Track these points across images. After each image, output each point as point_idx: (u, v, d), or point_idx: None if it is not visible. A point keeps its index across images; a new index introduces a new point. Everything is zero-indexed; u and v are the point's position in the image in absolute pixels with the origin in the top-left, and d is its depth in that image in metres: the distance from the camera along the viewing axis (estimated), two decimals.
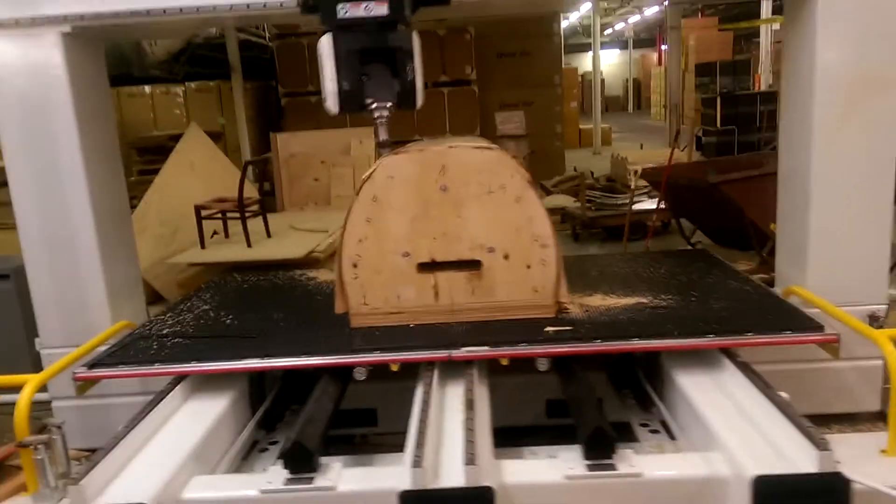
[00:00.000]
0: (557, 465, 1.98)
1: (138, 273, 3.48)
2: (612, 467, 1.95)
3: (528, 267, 2.72)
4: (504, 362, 2.51)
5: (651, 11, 27.50)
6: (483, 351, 2.50)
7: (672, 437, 2.46)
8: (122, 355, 2.64)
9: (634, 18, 26.99)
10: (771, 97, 10.24)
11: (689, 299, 2.87)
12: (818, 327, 2.47)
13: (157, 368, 2.55)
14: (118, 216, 3.28)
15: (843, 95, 2.91)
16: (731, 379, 2.37)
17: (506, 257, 2.72)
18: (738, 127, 10.14)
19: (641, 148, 10.23)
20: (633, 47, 30.96)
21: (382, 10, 2.66)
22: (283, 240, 5.80)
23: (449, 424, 2.17)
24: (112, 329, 2.94)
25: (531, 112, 10.54)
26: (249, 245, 5.43)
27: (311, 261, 5.36)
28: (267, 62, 11.03)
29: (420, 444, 1.98)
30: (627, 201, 6.80)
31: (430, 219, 2.70)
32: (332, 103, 2.76)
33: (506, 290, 2.75)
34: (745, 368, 2.35)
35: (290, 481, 1.99)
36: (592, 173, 8.95)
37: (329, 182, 7.59)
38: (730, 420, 2.14)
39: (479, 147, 2.70)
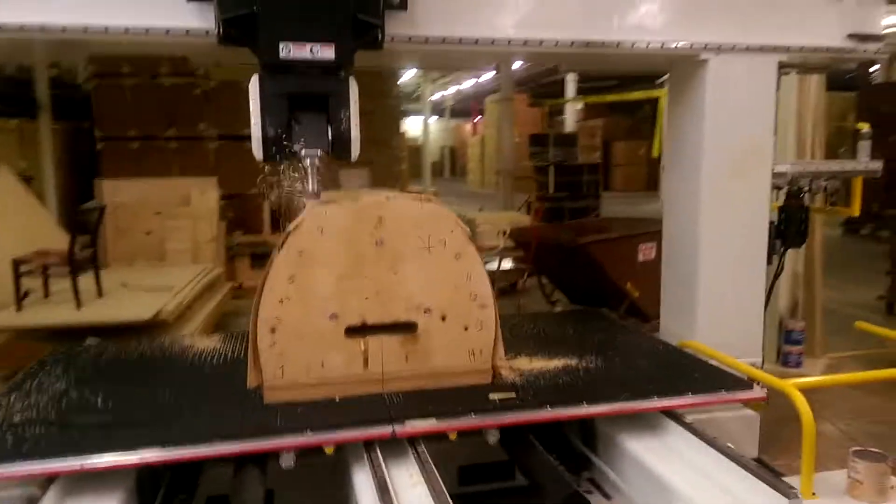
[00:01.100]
0: None
1: None
2: None
3: (466, 329, 2.53)
4: (452, 436, 2.27)
5: (468, 84, 29.23)
6: (430, 424, 2.24)
7: (607, 496, 2.39)
8: None
9: (453, 89, 28.37)
10: (595, 168, 11.14)
11: (613, 360, 2.83)
12: (748, 386, 2.52)
13: (23, 467, 1.97)
14: None
15: (728, 165, 3.17)
16: (680, 438, 2.33)
17: (443, 318, 2.50)
18: (570, 193, 10.82)
19: (480, 210, 10.47)
20: (450, 116, 32.44)
21: (329, 53, 2.42)
22: (119, 300, 5.09)
23: None
24: None
25: (371, 172, 10.46)
26: (79, 306, 4.67)
27: (157, 324, 4.75)
28: (79, 102, 9.95)
29: None
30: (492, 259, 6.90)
31: (362, 276, 2.43)
32: (255, 148, 2.47)
33: (442, 355, 2.52)
34: (691, 428, 2.33)
35: None
36: None
37: (163, 235, 6.87)
38: (689, 477, 2.08)
39: (419, 199, 2.49)
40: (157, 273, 6.05)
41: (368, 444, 2.22)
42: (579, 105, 21.65)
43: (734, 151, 3.15)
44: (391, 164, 11.40)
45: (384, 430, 2.21)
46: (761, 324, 3.31)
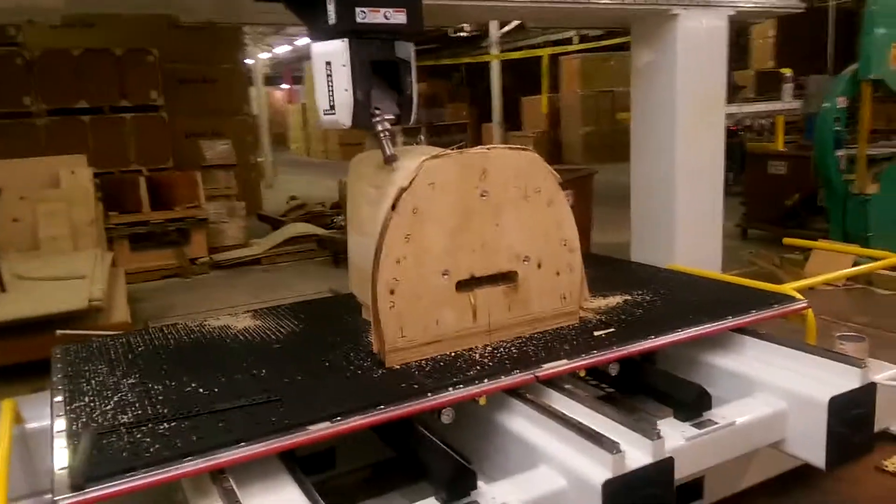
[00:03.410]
0: None
1: None
2: None
3: (558, 273, 2.62)
4: (582, 374, 2.38)
5: (283, 50, 28.07)
6: (563, 365, 2.33)
7: None
8: (108, 462, 1.77)
9: (265, 55, 27.10)
10: (463, 127, 11.38)
11: (658, 292, 3.07)
12: (792, 299, 2.89)
13: (185, 465, 1.76)
14: None
15: (695, 108, 3.59)
16: (757, 347, 2.63)
17: (538, 265, 2.57)
18: None
19: None
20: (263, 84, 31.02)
21: (401, 18, 2.35)
22: (31, 292, 4.48)
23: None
24: None
25: None
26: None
27: (81, 314, 4.25)
28: None
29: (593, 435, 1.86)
30: None
31: (469, 230, 2.42)
32: (344, 116, 2.35)
33: (538, 301, 2.60)
34: (768, 336, 2.66)
35: None
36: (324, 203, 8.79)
37: (35, 222, 6.03)
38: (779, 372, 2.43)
39: (515, 148, 2.51)
40: (46, 263, 5.34)
41: (509, 392, 2.26)
42: None
43: (699, 94, 3.57)
44: (243, 133, 10.81)
45: (527, 376, 2.26)
46: (720, 243, 3.80)
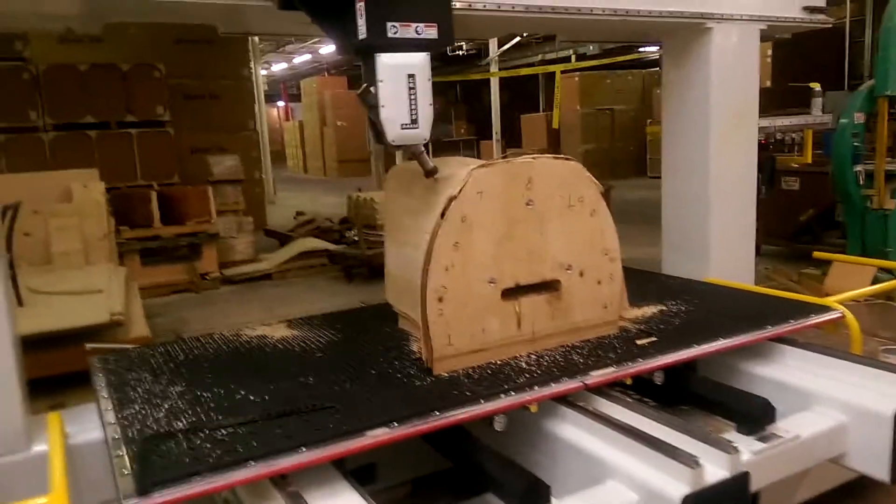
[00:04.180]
0: None
1: None
2: None
3: (599, 283, 2.63)
4: (628, 381, 2.38)
5: (278, 68, 28.24)
6: (610, 373, 2.33)
7: None
8: (172, 467, 1.75)
9: (262, 73, 27.22)
10: (471, 144, 11.35)
11: (692, 303, 3.08)
12: (826, 309, 2.90)
13: (248, 469, 1.75)
14: None
15: (729, 120, 3.62)
16: (797, 356, 2.64)
17: (581, 274, 2.59)
18: None
19: (360, 191, 10.30)
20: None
21: (433, 33, 2.35)
22: (50, 306, 4.46)
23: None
24: None
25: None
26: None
27: (112, 324, 4.24)
28: None
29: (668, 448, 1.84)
30: None
31: (515, 238, 2.43)
32: (426, 130, 2.34)
33: (580, 310, 2.60)
34: (808, 346, 2.66)
35: None
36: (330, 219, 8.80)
37: (47, 236, 6.00)
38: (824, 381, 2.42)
39: (559, 158, 2.53)
40: (61, 278, 5.31)
41: (559, 400, 2.25)
42: None
43: (732, 108, 3.60)
44: (249, 149, 10.83)
45: (576, 383, 2.26)
46: (753, 257, 3.82)
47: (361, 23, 2.27)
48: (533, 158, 2.47)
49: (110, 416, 2.11)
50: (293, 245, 7.66)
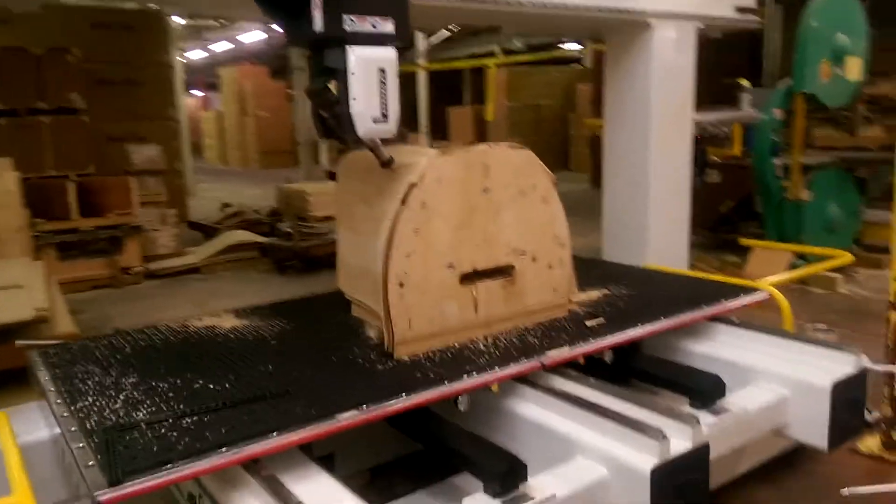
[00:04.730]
0: None
1: None
2: None
3: (550, 267, 2.72)
4: (581, 361, 2.48)
5: (195, 55, 27.31)
6: (565, 353, 2.42)
7: None
8: (141, 457, 1.71)
9: (179, 61, 26.24)
10: None
11: (633, 287, 3.21)
12: (754, 290, 3.10)
13: (221, 455, 1.73)
14: None
15: (668, 114, 3.80)
16: (734, 334, 2.83)
17: (533, 259, 2.66)
18: None
19: (289, 182, 10.11)
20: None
21: (388, 27, 2.33)
22: None
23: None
24: None
25: None
26: None
27: (37, 321, 4.04)
28: None
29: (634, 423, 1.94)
30: (331, 230, 6.91)
31: (472, 225, 2.48)
32: (394, 124, 2.32)
33: (533, 294, 2.68)
34: (744, 324, 2.84)
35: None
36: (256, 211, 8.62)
37: None
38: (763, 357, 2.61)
39: (513, 146, 2.59)
40: None
41: (520, 380, 2.33)
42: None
43: (671, 102, 3.79)
44: (169, 138, 10.45)
45: (534, 363, 2.33)
46: (687, 245, 4.03)
47: (318, 14, 2.20)
48: (489, 146, 2.52)
49: (62, 409, 2.03)
50: (221, 238, 7.47)
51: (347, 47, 2.23)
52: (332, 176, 11.25)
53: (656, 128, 3.71)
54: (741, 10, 3.96)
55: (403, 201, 2.32)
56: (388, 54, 2.29)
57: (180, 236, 7.83)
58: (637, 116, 3.79)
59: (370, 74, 2.25)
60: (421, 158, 2.40)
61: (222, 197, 12.14)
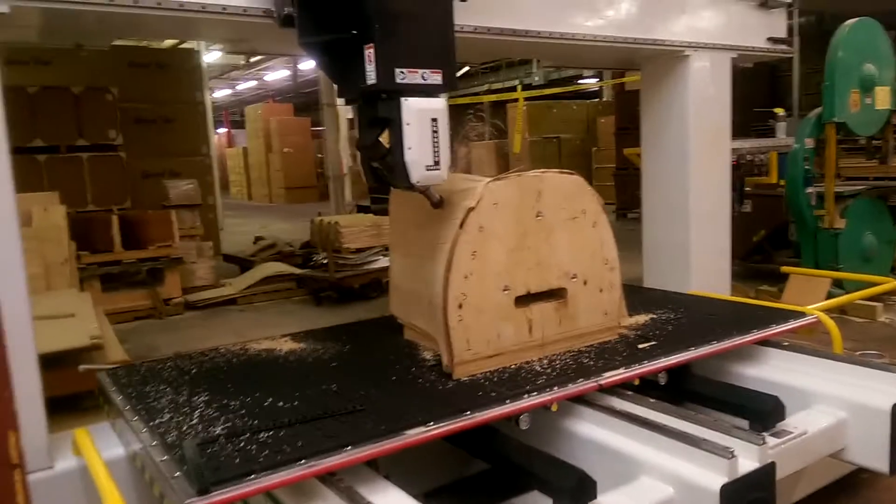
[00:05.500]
0: None
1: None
2: None
3: (601, 291, 2.78)
4: (636, 382, 2.52)
5: (221, 94, 27.97)
6: (621, 374, 2.47)
7: None
8: (225, 468, 1.78)
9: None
10: None
11: (680, 311, 3.25)
12: (803, 315, 3.12)
13: (300, 468, 1.80)
14: None
15: (706, 142, 3.87)
16: (786, 358, 2.83)
17: (584, 283, 2.73)
18: None
19: (320, 215, 10.28)
20: None
21: (437, 79, 2.43)
22: None
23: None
24: None
25: None
26: None
27: (91, 348, 4.15)
28: None
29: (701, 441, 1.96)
30: (364, 261, 7.02)
31: (526, 248, 2.56)
32: (445, 170, 2.40)
33: (584, 317, 2.74)
34: (796, 347, 2.87)
35: None
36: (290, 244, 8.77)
37: None
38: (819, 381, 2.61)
39: (564, 172, 2.68)
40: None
41: (575, 400, 2.37)
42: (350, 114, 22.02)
43: (708, 129, 3.86)
44: (203, 174, 10.69)
45: (592, 383, 2.38)
46: (729, 271, 4.06)
47: (371, 68, 2.31)
48: (542, 172, 2.61)
49: (141, 426, 2.11)
50: (258, 269, 7.60)
51: (402, 99, 2.32)
52: (360, 209, 11.44)
53: (695, 155, 3.77)
54: (773, 40, 4.06)
55: (462, 225, 2.40)
56: (438, 104, 2.38)
57: (217, 268, 7.98)
58: (675, 144, 3.85)
59: (423, 124, 2.34)
60: (476, 184, 2.49)
61: (251, 231, 12.36)
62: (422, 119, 2.35)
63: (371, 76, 2.32)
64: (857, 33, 5.18)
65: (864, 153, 6.24)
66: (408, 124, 2.33)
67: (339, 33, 2.34)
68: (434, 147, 2.37)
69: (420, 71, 2.36)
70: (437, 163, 2.38)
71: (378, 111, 2.39)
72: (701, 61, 3.68)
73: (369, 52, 2.30)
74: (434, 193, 2.49)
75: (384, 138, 2.45)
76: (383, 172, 2.48)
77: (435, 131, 2.37)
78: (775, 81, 13.79)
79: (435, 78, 2.40)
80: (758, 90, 12.70)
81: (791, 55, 4.13)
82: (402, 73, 2.33)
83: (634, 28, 3.43)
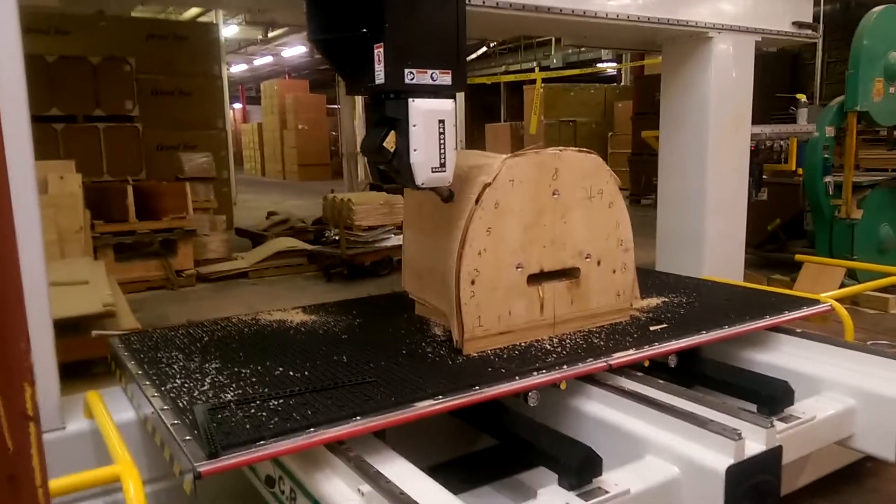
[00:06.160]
0: None
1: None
2: None
3: (614, 272, 2.77)
4: (646, 363, 2.52)
5: (237, 69, 27.90)
6: (631, 355, 2.46)
7: None
8: (235, 433, 1.80)
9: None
10: None
11: (692, 295, 3.24)
12: (816, 303, 3.10)
13: (310, 435, 1.81)
14: None
15: (725, 125, 3.82)
16: (798, 344, 2.82)
17: (598, 263, 2.72)
18: None
19: (333, 192, 10.29)
20: None
21: (447, 80, 2.38)
22: None
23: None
24: None
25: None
26: None
27: (103, 315, 4.19)
28: None
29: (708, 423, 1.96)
30: (376, 238, 7.03)
31: (541, 226, 2.55)
32: (451, 172, 2.38)
33: (597, 297, 2.73)
34: (806, 334, 2.84)
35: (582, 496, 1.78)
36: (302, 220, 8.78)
37: None
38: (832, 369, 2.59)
39: (582, 151, 2.66)
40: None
41: (584, 379, 2.37)
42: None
43: (729, 113, 3.81)
44: (218, 148, 10.71)
45: (601, 363, 2.38)
46: (742, 257, 4.04)
47: (379, 68, 2.28)
48: (560, 150, 2.59)
49: (152, 391, 2.13)
50: (270, 244, 7.62)
51: (409, 100, 2.29)
52: (373, 187, 11.45)
53: (714, 141, 3.73)
54: (798, 24, 3.99)
55: (477, 200, 2.39)
56: (446, 106, 2.34)
57: (229, 242, 8.01)
58: (695, 129, 3.81)
59: (430, 126, 2.31)
60: (494, 160, 2.48)
61: (263, 206, 12.37)
62: (429, 121, 2.31)
63: (380, 76, 2.28)
64: (884, 21, 5.08)
65: (884, 144, 6.15)
66: (415, 125, 2.30)
67: (349, 32, 2.31)
68: (441, 149, 2.34)
69: (429, 71, 2.32)
70: (443, 165, 2.35)
71: (385, 111, 2.35)
72: (724, 44, 3.63)
73: (379, 51, 2.27)
74: (444, 190, 2.46)
75: (389, 141, 2.41)
76: (391, 174, 2.46)
77: (442, 133, 2.34)
78: (797, 71, 13.61)
79: (444, 79, 2.35)
80: (779, 79, 12.52)
81: (816, 40, 4.05)
82: (412, 73, 2.29)
83: (658, 8, 3.38)
